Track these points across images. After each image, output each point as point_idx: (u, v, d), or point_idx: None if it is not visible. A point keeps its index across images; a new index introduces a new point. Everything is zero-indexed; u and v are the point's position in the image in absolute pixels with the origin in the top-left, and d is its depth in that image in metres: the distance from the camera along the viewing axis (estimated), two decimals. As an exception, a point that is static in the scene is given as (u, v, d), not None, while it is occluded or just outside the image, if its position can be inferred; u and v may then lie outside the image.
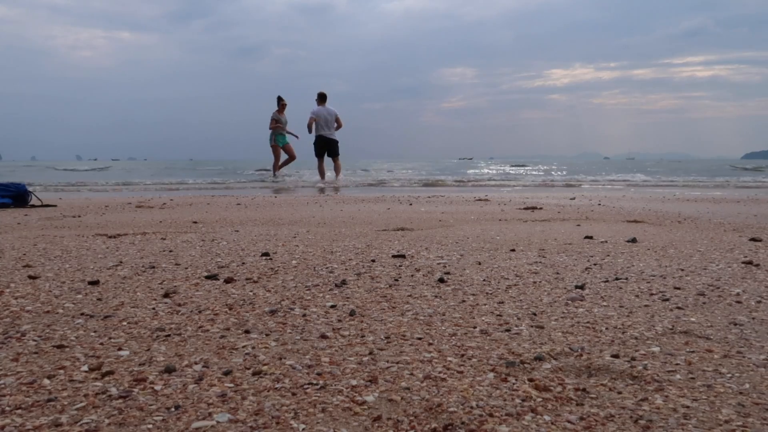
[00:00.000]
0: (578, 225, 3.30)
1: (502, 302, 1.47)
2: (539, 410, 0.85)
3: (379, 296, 1.53)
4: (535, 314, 1.36)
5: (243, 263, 2.00)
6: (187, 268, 1.91)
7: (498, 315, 1.36)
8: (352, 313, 1.36)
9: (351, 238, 2.68)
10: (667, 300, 1.49)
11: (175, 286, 1.63)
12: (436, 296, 1.54)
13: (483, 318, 1.33)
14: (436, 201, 5.56)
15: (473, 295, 1.55)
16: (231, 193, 7.43)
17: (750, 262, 2.00)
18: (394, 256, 2.13)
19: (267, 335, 1.20)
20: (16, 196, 4.93)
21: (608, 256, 2.17)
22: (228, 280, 1.71)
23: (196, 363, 1.04)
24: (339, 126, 10.27)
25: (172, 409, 0.85)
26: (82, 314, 1.35)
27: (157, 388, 0.93)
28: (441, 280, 1.71)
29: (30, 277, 1.75)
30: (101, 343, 1.15)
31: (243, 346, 1.13)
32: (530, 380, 0.96)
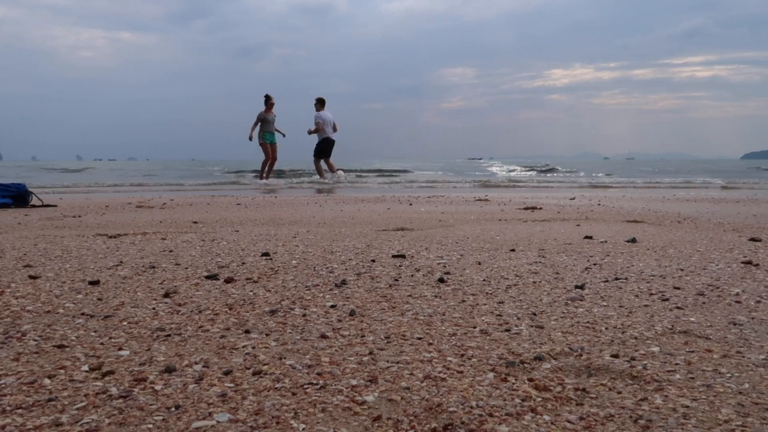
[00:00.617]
0: (578, 225, 3.30)
1: (502, 302, 1.47)
2: (539, 410, 0.86)
3: (379, 296, 1.53)
4: (534, 314, 1.36)
5: (243, 263, 2.00)
6: (187, 268, 1.91)
7: (498, 315, 1.36)
8: (352, 313, 1.36)
9: (351, 238, 2.68)
10: (667, 300, 1.49)
11: (176, 286, 1.63)
12: (436, 296, 1.54)
13: (483, 318, 1.33)
14: (436, 201, 5.57)
15: (473, 295, 1.55)
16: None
17: (749, 262, 2.00)
18: (394, 256, 2.13)
19: (267, 335, 1.21)
20: (16, 196, 4.93)
21: (608, 256, 2.17)
22: (228, 280, 1.71)
23: (196, 363, 1.04)
24: (336, 129, 11.03)
25: (173, 409, 0.85)
26: (82, 314, 1.36)
27: (158, 387, 0.93)
28: (441, 280, 1.71)
29: (30, 277, 1.75)
30: (101, 343, 1.15)
31: (243, 346, 1.13)
32: (530, 380, 0.97)
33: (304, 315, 1.36)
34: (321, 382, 0.96)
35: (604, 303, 1.46)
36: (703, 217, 3.79)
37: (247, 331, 1.23)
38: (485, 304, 1.45)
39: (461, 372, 1.00)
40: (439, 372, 1.00)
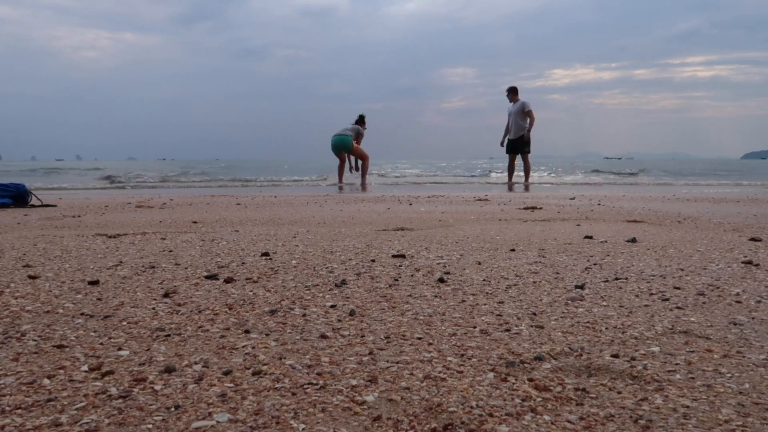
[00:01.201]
0: (578, 225, 3.30)
1: (502, 302, 1.47)
2: (539, 410, 0.85)
3: (379, 296, 1.53)
4: (534, 314, 1.36)
5: (243, 263, 2.00)
6: (187, 268, 1.91)
7: (498, 315, 1.36)
8: (352, 313, 1.36)
9: (351, 238, 2.68)
10: (667, 300, 1.49)
11: (175, 286, 1.63)
12: (435, 296, 1.54)
13: (483, 318, 1.33)
14: (435, 201, 5.56)
15: (473, 294, 1.55)
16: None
17: (750, 262, 2.00)
18: (393, 256, 2.13)
19: (267, 335, 1.20)
20: (16, 196, 4.93)
21: (608, 255, 2.17)
22: (228, 280, 1.71)
23: (196, 363, 1.04)
24: (526, 124, 10.44)
25: (172, 409, 0.85)
26: (82, 314, 1.35)
27: (157, 388, 0.93)
28: (441, 280, 1.71)
29: (30, 277, 1.75)
30: (101, 343, 1.15)
31: (243, 346, 1.13)
32: (530, 380, 0.97)
33: (304, 315, 1.36)
34: (321, 382, 0.96)
35: (605, 303, 1.46)
36: (703, 216, 3.79)
37: (246, 331, 1.23)
38: (485, 304, 1.45)
39: (461, 372, 1.00)
40: (439, 372, 1.00)
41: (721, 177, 15.29)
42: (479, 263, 2.01)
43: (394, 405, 0.87)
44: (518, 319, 1.32)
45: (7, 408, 0.86)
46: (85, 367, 1.01)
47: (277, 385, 0.94)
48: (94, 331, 1.22)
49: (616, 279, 1.75)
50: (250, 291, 1.59)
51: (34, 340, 1.16)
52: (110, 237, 2.72)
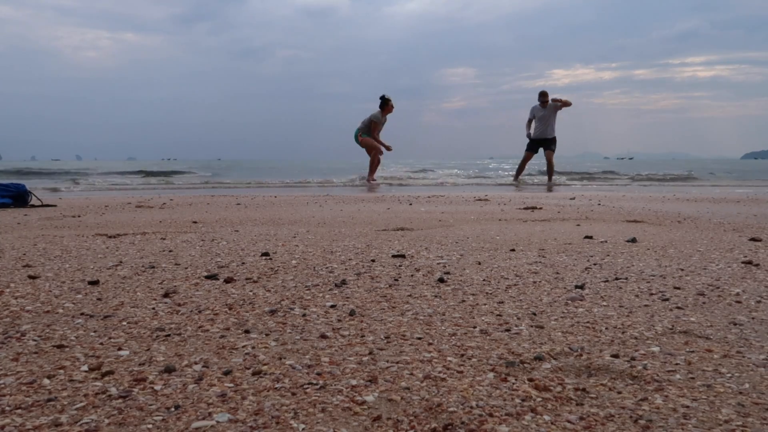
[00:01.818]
0: (578, 225, 3.30)
1: (502, 302, 1.47)
2: (539, 410, 0.85)
3: (379, 296, 1.53)
4: (534, 314, 1.36)
5: (243, 263, 2.00)
6: (186, 268, 1.91)
7: (498, 315, 1.36)
8: (351, 313, 1.36)
9: (351, 238, 2.68)
10: (667, 300, 1.49)
11: (175, 286, 1.63)
12: (435, 296, 1.54)
13: (483, 318, 1.33)
14: (435, 201, 5.56)
15: (473, 295, 1.55)
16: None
17: (750, 262, 2.00)
18: (394, 256, 2.13)
19: (267, 335, 1.20)
20: (16, 196, 4.93)
21: (608, 255, 2.17)
22: (228, 280, 1.71)
23: (196, 363, 1.04)
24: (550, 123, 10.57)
25: (172, 409, 0.85)
26: (81, 314, 1.35)
27: (157, 387, 0.93)
28: (441, 280, 1.71)
29: (30, 276, 1.75)
30: (101, 343, 1.15)
31: (243, 346, 1.13)
32: (530, 380, 0.97)
33: (304, 315, 1.36)
34: (321, 382, 0.96)
35: (604, 303, 1.46)
36: (703, 216, 3.79)
37: (246, 331, 1.23)
38: (485, 304, 1.45)
39: (461, 372, 1.00)
40: (439, 372, 1.00)
41: None
42: (479, 263, 2.01)
43: (394, 405, 0.87)
44: (518, 319, 1.32)
45: (7, 408, 0.86)
46: (85, 367, 1.01)
47: (277, 385, 0.94)
48: (94, 331, 1.22)
49: (616, 279, 1.75)
50: (250, 291, 1.59)
51: (34, 340, 1.16)
52: (110, 237, 2.72)
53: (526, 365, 1.04)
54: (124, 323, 1.28)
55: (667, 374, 0.99)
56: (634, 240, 2.55)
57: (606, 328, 1.25)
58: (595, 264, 1.99)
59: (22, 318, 1.32)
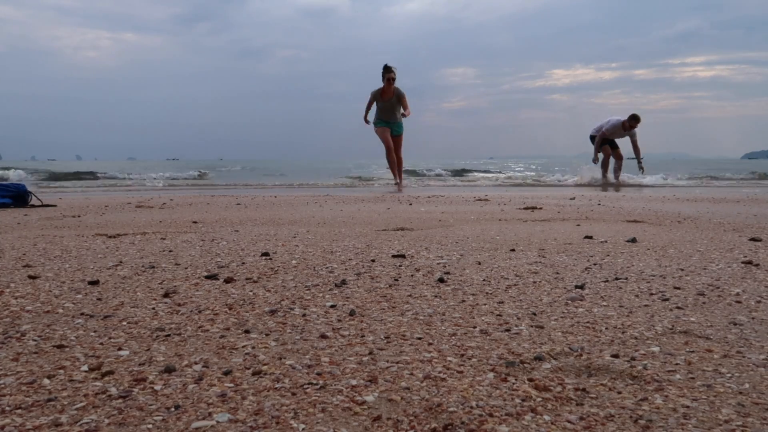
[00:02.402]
0: (578, 225, 3.30)
1: (502, 302, 1.47)
2: (539, 410, 0.85)
3: (379, 296, 1.53)
4: (534, 314, 1.36)
5: (243, 263, 2.00)
6: (187, 268, 1.91)
7: (498, 315, 1.36)
8: (351, 313, 1.36)
9: (351, 238, 2.68)
10: (667, 300, 1.49)
11: (175, 286, 1.63)
12: (435, 296, 1.54)
13: (483, 318, 1.33)
14: (435, 201, 5.56)
15: (473, 295, 1.55)
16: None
17: (750, 262, 2.00)
18: (394, 256, 2.13)
19: (267, 335, 1.20)
20: (16, 196, 4.93)
21: (608, 255, 2.17)
22: (228, 280, 1.71)
23: (196, 363, 1.04)
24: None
25: (172, 409, 0.85)
26: (82, 314, 1.35)
27: (157, 388, 0.93)
28: (441, 280, 1.71)
29: (30, 276, 1.75)
30: (101, 343, 1.15)
31: (243, 346, 1.13)
32: (530, 380, 0.96)
33: (304, 315, 1.36)
34: (321, 382, 0.96)
35: (604, 303, 1.46)
36: (703, 216, 3.79)
37: (246, 331, 1.23)
38: (485, 304, 1.45)
39: (461, 372, 1.00)
40: (439, 372, 1.00)
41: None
42: (479, 263, 2.01)
43: (394, 405, 0.87)
44: (518, 319, 1.32)
45: (7, 408, 0.86)
46: (85, 367, 1.01)
47: (277, 385, 0.94)
48: (94, 331, 1.22)
49: (616, 279, 1.75)
50: (250, 291, 1.59)
51: (34, 340, 1.16)
52: (110, 237, 2.72)
53: (526, 365, 1.04)
54: (124, 323, 1.28)
55: (667, 374, 0.99)
56: (634, 240, 2.55)
57: (606, 328, 1.25)
58: (595, 264, 1.99)
59: (22, 318, 1.32)
